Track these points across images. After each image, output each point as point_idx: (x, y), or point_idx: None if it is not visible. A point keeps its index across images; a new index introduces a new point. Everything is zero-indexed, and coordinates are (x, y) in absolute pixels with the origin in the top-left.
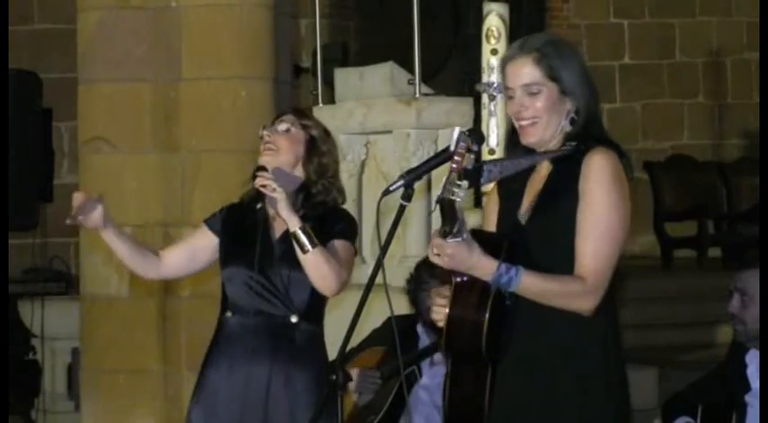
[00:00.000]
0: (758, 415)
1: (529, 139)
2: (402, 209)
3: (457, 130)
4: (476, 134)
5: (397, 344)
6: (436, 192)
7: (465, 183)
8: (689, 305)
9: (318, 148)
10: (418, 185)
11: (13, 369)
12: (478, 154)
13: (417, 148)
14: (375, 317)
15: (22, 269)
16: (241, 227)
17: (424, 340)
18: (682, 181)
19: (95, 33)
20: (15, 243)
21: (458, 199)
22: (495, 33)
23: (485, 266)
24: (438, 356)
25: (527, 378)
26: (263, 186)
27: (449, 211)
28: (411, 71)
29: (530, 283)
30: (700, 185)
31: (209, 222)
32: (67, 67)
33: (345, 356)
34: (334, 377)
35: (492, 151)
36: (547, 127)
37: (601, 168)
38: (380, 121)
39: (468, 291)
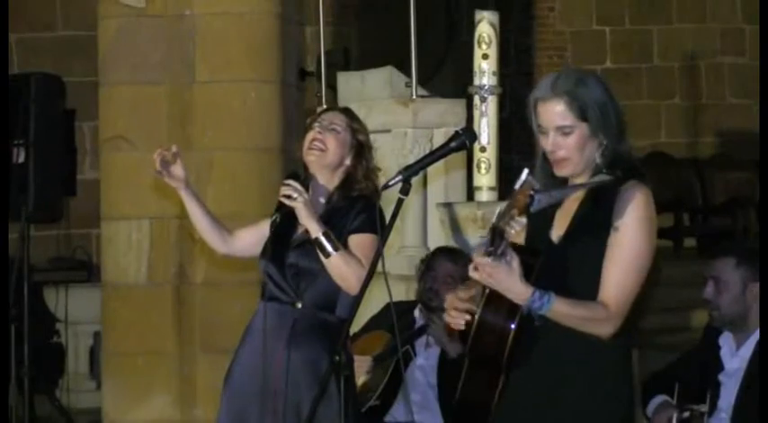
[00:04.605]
0: (730, 393)
1: (562, 172)
2: (400, 202)
3: (525, 172)
4: (469, 133)
5: (395, 329)
6: (432, 186)
7: (524, 219)
8: (666, 291)
9: (366, 154)
10: (415, 180)
11: (39, 352)
12: (536, 192)
13: (414, 146)
14: (376, 301)
15: (47, 258)
16: (279, 221)
17: (420, 323)
18: (659, 176)
19: (115, 39)
20: (41, 234)
21: (512, 231)
22: (487, 39)
23: (520, 291)
24: (432, 339)
25: (537, 383)
26: (287, 196)
27: (498, 238)
28: (408, 75)
29: (559, 309)
30: (676, 181)
31: (273, 217)
32: (89, 70)
33: (348, 340)
34: (337, 358)
35: (483, 149)
36: (579, 162)
37: (636, 205)
38: (380, 121)
39: (500, 300)
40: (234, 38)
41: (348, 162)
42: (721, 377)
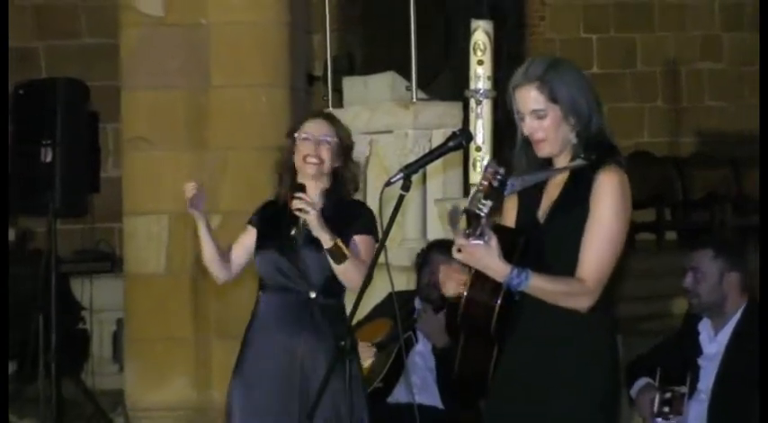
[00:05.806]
0: (709, 375)
1: (542, 152)
2: (401, 198)
3: (487, 158)
4: (465, 133)
5: (397, 316)
6: (431, 183)
7: (489, 202)
8: (649, 281)
9: (351, 153)
10: (415, 178)
11: (66, 337)
12: (505, 176)
13: (414, 146)
14: (378, 291)
15: (73, 251)
16: (275, 219)
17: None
18: (642, 173)
19: (136, 47)
20: (67, 228)
21: (482, 214)
22: (482, 46)
23: (499, 269)
24: None
25: (529, 359)
26: (299, 210)
27: (474, 221)
28: (409, 79)
29: (537, 285)
30: (658, 178)
31: (251, 221)
32: (112, 75)
33: (353, 327)
34: (343, 343)
35: (479, 148)
36: (556, 141)
37: (610, 186)
38: (382, 123)
39: (485, 278)
40: (247, 45)
41: (337, 164)
42: (700, 361)
